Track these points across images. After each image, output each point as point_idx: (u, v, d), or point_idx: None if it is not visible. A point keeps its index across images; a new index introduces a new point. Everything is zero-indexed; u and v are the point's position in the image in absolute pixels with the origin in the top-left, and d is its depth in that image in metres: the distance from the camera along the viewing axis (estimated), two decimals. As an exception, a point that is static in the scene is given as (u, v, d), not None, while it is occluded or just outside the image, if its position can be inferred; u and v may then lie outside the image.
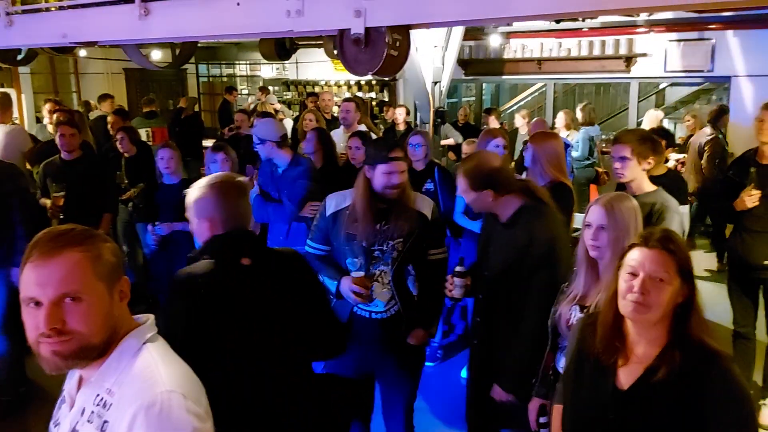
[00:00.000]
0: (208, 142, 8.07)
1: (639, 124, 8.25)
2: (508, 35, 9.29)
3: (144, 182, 5.30)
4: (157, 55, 9.38)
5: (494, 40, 9.30)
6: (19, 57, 5.43)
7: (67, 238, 1.30)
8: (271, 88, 12.93)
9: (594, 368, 1.76)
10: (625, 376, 1.70)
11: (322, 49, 7.37)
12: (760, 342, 3.95)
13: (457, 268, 2.77)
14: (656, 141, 3.32)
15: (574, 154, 7.08)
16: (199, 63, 13.62)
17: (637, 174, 3.09)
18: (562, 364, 2.30)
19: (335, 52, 7.75)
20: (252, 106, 10.30)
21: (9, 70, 7.91)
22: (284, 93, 12.58)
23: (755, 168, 3.67)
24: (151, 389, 1.25)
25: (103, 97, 8.96)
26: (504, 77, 10.02)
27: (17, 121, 8.47)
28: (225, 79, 13.98)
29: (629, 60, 8.47)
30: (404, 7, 1.79)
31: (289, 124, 8.89)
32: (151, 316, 1.43)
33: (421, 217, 2.79)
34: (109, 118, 6.94)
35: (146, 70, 9.91)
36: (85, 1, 2.68)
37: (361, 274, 2.68)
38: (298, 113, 10.04)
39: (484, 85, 12.19)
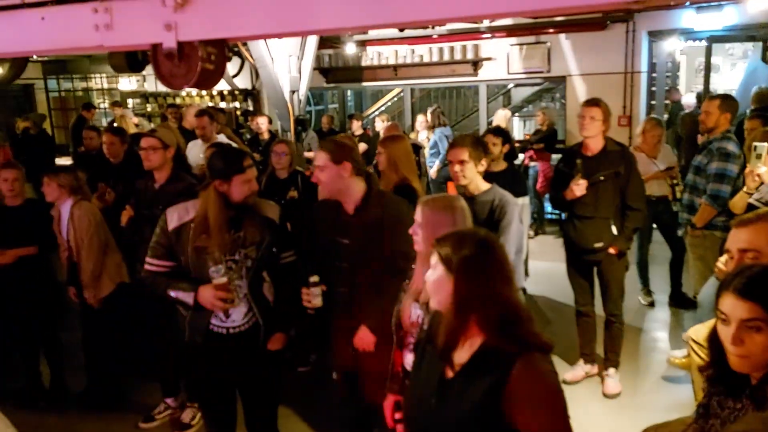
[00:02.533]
0: (61, 161, 7.60)
1: (490, 123, 8.77)
2: (364, 43, 9.54)
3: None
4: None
5: (350, 48, 9.51)
6: None
7: None
8: (130, 101, 12.35)
9: (431, 356, 1.84)
10: (452, 367, 1.75)
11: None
12: (600, 317, 4.34)
13: (312, 279, 2.81)
14: (485, 143, 3.57)
15: (437, 153, 7.43)
16: (48, 77, 12.75)
17: (474, 175, 3.31)
18: (409, 360, 2.40)
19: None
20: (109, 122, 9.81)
21: None
22: (145, 105, 12.07)
23: (581, 160, 4.03)
24: None
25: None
26: (363, 84, 10.27)
27: None
28: (80, 93, 13.18)
29: (476, 64, 9.01)
30: (216, 21, 1.82)
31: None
32: None
33: (270, 223, 2.82)
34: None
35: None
36: None
37: (224, 280, 2.65)
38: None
39: (347, 92, 12.41)
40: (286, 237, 3.01)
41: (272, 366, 2.95)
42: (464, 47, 9.05)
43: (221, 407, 2.94)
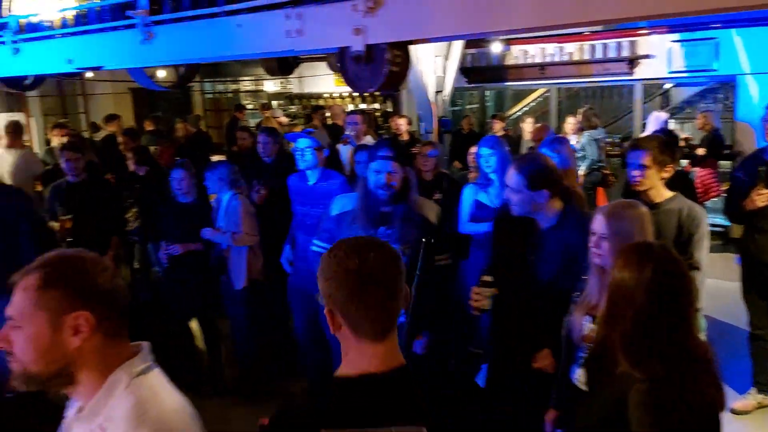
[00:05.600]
0: (215, 159, 8.11)
1: (643, 126, 8.21)
2: (510, 42, 9.31)
3: (155, 201, 5.32)
4: (161, 74, 9.45)
5: (496, 48, 9.32)
6: (27, 82, 5.49)
7: (40, 261, 1.29)
8: (274, 102, 12.99)
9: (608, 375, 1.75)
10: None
11: (325, 63, 7.41)
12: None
13: (485, 278, 2.73)
14: (674, 148, 3.30)
15: (583, 158, 7.08)
16: (204, 80, 13.71)
17: (656, 182, 3.07)
18: (576, 375, 2.29)
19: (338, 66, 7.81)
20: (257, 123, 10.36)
21: (18, 94, 8.00)
22: (288, 107, 12.63)
23: (765, 167, 3.65)
24: (145, 426, 1.22)
25: (110, 118, 9.04)
26: (507, 84, 10.02)
27: (27, 145, 8.55)
28: (230, 95, 14.06)
29: (632, 62, 8.45)
30: (403, 24, 1.80)
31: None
32: (146, 345, 1.38)
33: (427, 223, 2.79)
34: (120, 139, 7.01)
35: (152, 90, 10.00)
36: (90, 27, 2.72)
37: None
38: (304, 127, 10.07)
39: (486, 92, 12.19)
40: (442, 239, 2.97)
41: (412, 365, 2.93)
42: (619, 44, 8.54)
43: None
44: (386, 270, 1.28)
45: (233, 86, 14.11)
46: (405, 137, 7.85)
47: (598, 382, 1.81)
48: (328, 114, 10.09)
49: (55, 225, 4.84)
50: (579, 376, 2.27)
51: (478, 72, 9.91)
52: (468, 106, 12.97)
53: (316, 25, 1.89)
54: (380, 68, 1.81)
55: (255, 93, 13.94)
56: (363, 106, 10.50)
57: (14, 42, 3.21)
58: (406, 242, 2.73)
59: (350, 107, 10.85)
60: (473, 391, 4.15)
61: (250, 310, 4.33)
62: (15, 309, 1.26)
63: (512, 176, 2.65)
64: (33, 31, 3.08)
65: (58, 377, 1.27)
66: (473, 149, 5.41)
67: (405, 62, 1.90)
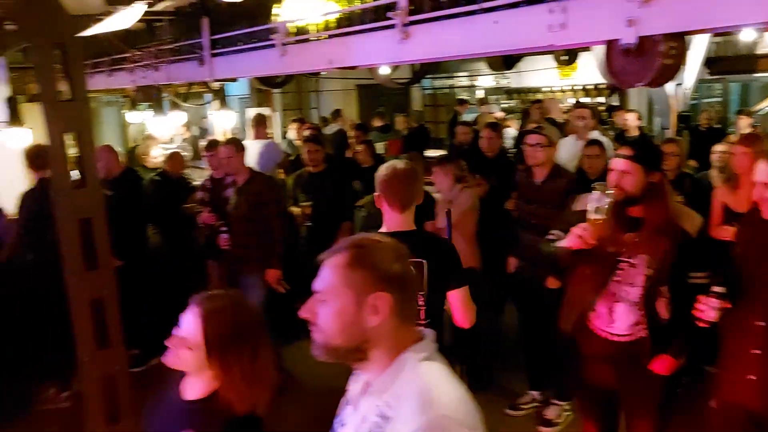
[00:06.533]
0: (432, 153, 8.33)
1: None
2: (766, 28, 8.22)
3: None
4: (384, 71, 9.92)
5: (746, 35, 8.29)
6: (278, 80, 6.13)
7: (349, 242, 1.39)
8: (491, 97, 12.97)
9: None
10: None
11: (545, 57, 7.21)
12: None
13: (717, 289, 2.47)
14: None
15: None
16: (424, 76, 14.11)
17: None
18: None
19: (562, 58, 7.48)
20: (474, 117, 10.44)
21: (266, 91, 8.98)
22: (504, 102, 12.52)
23: None
24: (428, 412, 1.25)
25: (336, 113, 9.76)
26: (756, 75, 8.88)
27: (270, 136, 9.57)
28: (446, 90, 14.33)
29: None
30: (683, 13, 1.65)
31: (512, 133, 8.85)
32: (430, 332, 1.43)
33: (683, 234, 2.56)
34: (352, 132, 7.54)
35: (376, 86, 10.56)
36: (349, 30, 2.95)
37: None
38: (521, 122, 9.93)
39: (730, 84, 10.93)
40: (700, 255, 2.71)
41: (655, 379, 2.71)
42: None
43: (600, 410, 2.87)
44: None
45: (449, 82, 14.36)
46: (633, 133, 7.37)
47: None
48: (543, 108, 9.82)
49: (297, 210, 5.34)
50: None
51: (723, 62, 8.91)
52: (705, 100, 11.75)
53: (582, 18, 1.82)
54: (652, 61, 1.69)
55: (470, 88, 14.04)
56: (586, 99, 10.03)
57: (283, 44, 3.59)
58: (654, 253, 2.54)
59: (571, 101, 10.43)
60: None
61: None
62: (323, 284, 1.36)
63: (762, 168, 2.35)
64: (299, 34, 3.44)
65: (355, 352, 1.35)
66: (718, 147, 4.89)
67: (680, 54, 1.75)
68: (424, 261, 2.52)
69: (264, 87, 6.96)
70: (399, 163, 2.57)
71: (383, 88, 9.28)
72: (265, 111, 8.24)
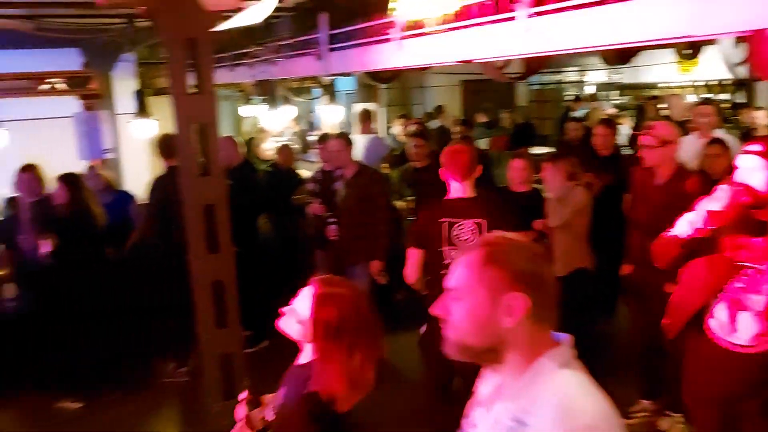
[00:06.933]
0: (538, 150, 8.14)
1: None
2: None
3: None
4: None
5: None
6: (386, 75, 6.20)
7: (485, 240, 1.37)
8: (601, 93, 12.47)
9: None
10: None
11: (664, 51, 6.82)
12: None
13: None
14: None
15: None
16: (538, 71, 13.77)
17: None
18: None
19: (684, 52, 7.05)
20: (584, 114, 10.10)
21: (373, 87, 9.10)
22: (616, 98, 12.01)
23: None
24: (572, 422, 1.21)
25: (438, 109, 9.74)
26: None
27: (375, 131, 9.71)
28: (553, 86, 13.92)
29: None
30: None
31: (625, 131, 8.49)
32: (568, 338, 1.36)
33: None
34: (457, 128, 7.51)
35: (482, 82, 10.41)
36: (470, 22, 2.93)
37: None
38: (635, 119, 9.51)
39: None
40: None
41: None
42: None
43: (716, 424, 2.70)
44: None
45: (557, 77, 13.94)
46: (762, 132, 6.88)
47: None
48: (660, 105, 9.33)
49: (401, 204, 5.39)
50: None
51: None
52: None
53: (725, 5, 1.69)
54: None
55: (578, 84, 13.57)
56: (709, 95, 9.42)
57: (401, 38, 3.63)
58: None
59: (691, 97, 9.84)
60: None
61: (573, 295, 4.28)
62: (458, 281, 1.33)
63: None
64: (415, 28, 3.46)
65: (489, 353, 1.32)
66: None
67: None
68: (483, 220, 3.09)
69: (372, 82, 7.06)
70: (455, 144, 3.21)
71: (488, 83, 9.15)
72: (370, 106, 8.37)
